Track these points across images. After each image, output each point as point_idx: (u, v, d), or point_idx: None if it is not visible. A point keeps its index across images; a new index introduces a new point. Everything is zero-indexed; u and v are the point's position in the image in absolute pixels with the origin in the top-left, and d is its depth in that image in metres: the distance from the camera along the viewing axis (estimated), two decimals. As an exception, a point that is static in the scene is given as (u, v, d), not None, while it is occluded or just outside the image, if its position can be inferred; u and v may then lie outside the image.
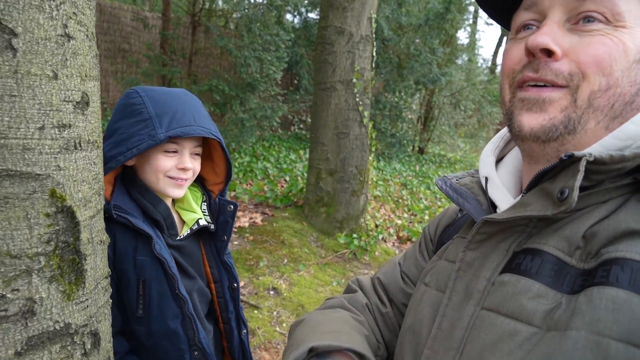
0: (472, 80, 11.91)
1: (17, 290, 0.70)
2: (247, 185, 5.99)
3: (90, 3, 0.83)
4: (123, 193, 1.13)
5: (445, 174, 0.76)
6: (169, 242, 1.17)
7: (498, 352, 0.52)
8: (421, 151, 11.54)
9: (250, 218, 4.81)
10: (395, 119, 9.87)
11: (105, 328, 0.89)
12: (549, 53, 0.56)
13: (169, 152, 1.12)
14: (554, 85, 0.56)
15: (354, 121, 4.67)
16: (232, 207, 1.26)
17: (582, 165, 0.49)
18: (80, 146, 0.78)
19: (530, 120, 0.58)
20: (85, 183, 0.80)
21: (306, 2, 8.42)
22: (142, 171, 1.15)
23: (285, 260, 4.12)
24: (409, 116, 10.64)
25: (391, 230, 5.42)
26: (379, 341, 0.83)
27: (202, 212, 1.26)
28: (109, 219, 1.00)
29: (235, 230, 4.55)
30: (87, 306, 0.81)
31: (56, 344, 0.76)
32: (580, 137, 0.56)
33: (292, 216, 4.98)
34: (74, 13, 0.76)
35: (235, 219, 1.33)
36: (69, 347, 0.78)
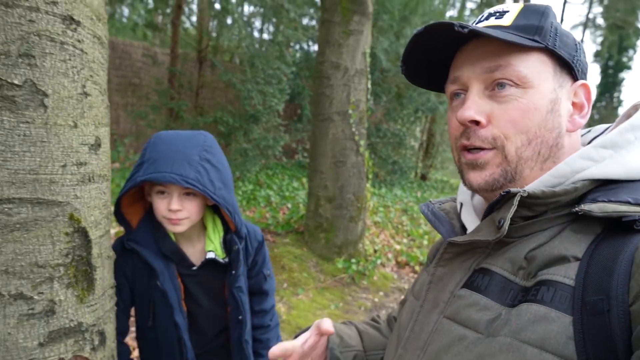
0: (472, 107, 12.12)
1: (42, 293, 0.88)
2: (250, 212, 6.18)
3: (103, 65, 1.04)
4: (147, 226, 1.29)
5: (431, 199, 0.83)
6: (181, 271, 1.31)
7: (450, 353, 0.62)
8: (423, 177, 11.71)
9: (252, 244, 4.97)
10: (397, 146, 10.10)
11: (110, 329, 1.06)
12: (476, 122, 0.65)
13: (159, 193, 1.23)
14: (483, 149, 0.66)
15: (351, 150, 4.88)
16: (236, 247, 1.33)
17: (516, 200, 0.59)
18: (93, 179, 0.98)
19: (476, 178, 0.67)
20: (96, 209, 0.99)
21: (307, 37, 8.81)
22: (153, 209, 1.27)
23: (285, 285, 4.25)
24: (411, 143, 10.87)
25: (390, 255, 5.55)
26: None
27: (220, 244, 1.36)
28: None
29: (238, 256, 4.70)
30: (96, 309, 0.99)
31: (70, 338, 0.93)
32: (524, 181, 0.66)
33: (293, 242, 5.13)
34: (90, 75, 0.97)
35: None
36: (81, 342, 0.96)
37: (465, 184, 0.71)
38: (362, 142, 4.94)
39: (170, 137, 1.26)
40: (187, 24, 8.38)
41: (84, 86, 0.95)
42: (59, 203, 0.90)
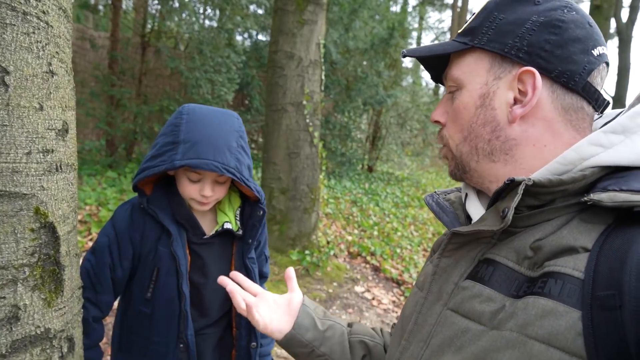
0: (417, 101, 12.54)
1: (4, 297, 0.78)
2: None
3: (69, 42, 0.93)
4: (161, 191, 1.27)
5: (436, 190, 0.83)
6: (192, 239, 1.28)
7: (453, 346, 0.60)
8: (370, 169, 11.93)
9: (203, 238, 4.82)
10: (345, 139, 10.20)
11: (78, 334, 0.96)
12: (439, 122, 0.75)
13: (191, 180, 1.21)
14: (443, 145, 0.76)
15: (305, 141, 4.85)
16: (261, 212, 1.31)
17: (520, 189, 0.58)
18: (61, 169, 0.88)
19: (449, 167, 0.76)
20: (64, 201, 0.89)
21: (257, 26, 8.63)
22: (178, 187, 1.26)
23: (239, 279, 4.16)
24: (358, 135, 11.02)
25: (342, 246, 5.60)
26: None
27: (235, 217, 1.35)
28: (144, 209, 1.24)
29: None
30: (65, 313, 0.89)
31: (37, 347, 0.83)
32: (477, 172, 0.71)
33: (245, 235, 5.03)
34: (56, 52, 0.86)
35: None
36: (48, 351, 0.86)
37: None
38: (316, 134, 4.92)
39: (206, 117, 1.21)
40: (129, 6, 7.91)
41: (50, 64, 0.84)
42: (23, 195, 0.80)
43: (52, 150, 0.85)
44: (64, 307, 0.89)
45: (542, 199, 0.60)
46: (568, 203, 0.59)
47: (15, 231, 0.79)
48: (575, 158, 0.60)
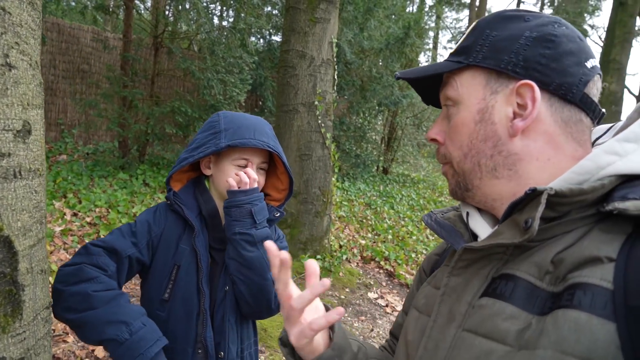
0: (433, 102, 12.28)
1: (-52, 324, 0.68)
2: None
3: (34, 32, 0.83)
4: (189, 190, 1.32)
5: (432, 210, 0.83)
6: (212, 244, 1.28)
7: None
8: (385, 171, 11.76)
9: (213, 241, 4.74)
10: (359, 140, 10.05)
11: (45, 360, 0.86)
12: (436, 140, 0.73)
13: (239, 166, 1.27)
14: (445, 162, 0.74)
15: (317, 143, 4.74)
16: (277, 214, 1.35)
17: (544, 198, 0.56)
18: (21, 175, 0.78)
19: (449, 185, 0.74)
20: (25, 212, 0.79)
21: (270, 25, 8.54)
22: (217, 180, 1.30)
23: (248, 283, 4.06)
24: (373, 137, 10.86)
25: (355, 251, 5.46)
26: None
27: None
28: (169, 206, 1.28)
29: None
30: (25, 338, 0.79)
31: (-10, 379, 0.73)
32: (480, 190, 0.69)
33: (256, 238, 4.93)
34: (16, 43, 0.76)
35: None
36: (4, 382, 0.75)
37: None
38: (328, 135, 4.80)
39: (240, 114, 1.32)
40: (142, 9, 7.91)
41: (6, 55, 0.74)
42: (-29, 206, 0.69)
43: (9, 154, 0.75)
44: (24, 331, 0.78)
45: (558, 210, 0.58)
46: (585, 214, 0.58)
47: (-39, 247, 0.68)
48: (592, 167, 0.59)
